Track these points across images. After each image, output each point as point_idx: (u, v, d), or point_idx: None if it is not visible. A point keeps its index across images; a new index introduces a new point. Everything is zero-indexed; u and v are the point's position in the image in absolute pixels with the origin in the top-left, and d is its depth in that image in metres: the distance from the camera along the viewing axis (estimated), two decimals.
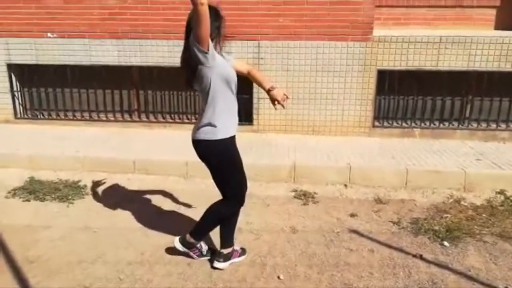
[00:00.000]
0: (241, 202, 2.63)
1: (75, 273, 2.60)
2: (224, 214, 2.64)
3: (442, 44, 4.65)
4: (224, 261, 2.68)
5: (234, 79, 2.46)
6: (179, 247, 2.71)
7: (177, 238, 2.73)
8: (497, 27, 5.35)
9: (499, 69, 4.69)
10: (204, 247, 2.76)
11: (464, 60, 4.69)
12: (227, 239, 2.71)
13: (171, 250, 2.79)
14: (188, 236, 2.70)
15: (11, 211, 3.39)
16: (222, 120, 2.43)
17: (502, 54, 4.64)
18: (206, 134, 2.43)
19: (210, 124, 2.42)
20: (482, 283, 2.55)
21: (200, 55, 2.30)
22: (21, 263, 2.69)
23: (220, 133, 2.43)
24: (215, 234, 2.81)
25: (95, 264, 2.69)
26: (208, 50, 2.29)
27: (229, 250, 2.71)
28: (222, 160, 2.50)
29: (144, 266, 2.68)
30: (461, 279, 2.59)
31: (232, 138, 2.53)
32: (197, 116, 5.18)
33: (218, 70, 2.37)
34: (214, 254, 2.73)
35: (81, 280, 2.53)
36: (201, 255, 2.74)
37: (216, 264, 2.66)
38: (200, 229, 2.71)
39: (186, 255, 2.74)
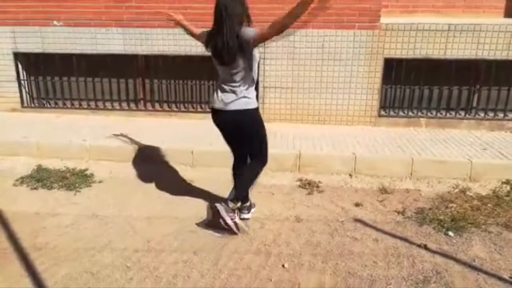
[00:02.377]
0: (267, 160, 3.02)
1: (82, 260, 2.64)
2: (258, 172, 3.03)
3: (450, 32, 4.59)
4: (248, 212, 3.13)
5: (258, 59, 2.83)
6: (222, 210, 2.89)
7: (218, 204, 2.91)
8: (506, 15, 5.26)
9: (508, 57, 4.62)
10: (239, 219, 2.98)
11: (473, 49, 4.63)
12: (247, 194, 3.12)
13: (201, 225, 3.02)
14: (230, 203, 2.94)
15: (19, 199, 3.44)
16: (253, 93, 2.83)
17: (511, 42, 4.57)
18: (246, 104, 2.77)
19: (245, 97, 2.77)
20: (486, 273, 2.55)
21: (252, 46, 2.67)
22: (28, 250, 2.73)
23: (254, 103, 2.82)
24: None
25: (102, 252, 2.73)
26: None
27: (249, 203, 3.15)
28: (259, 125, 2.89)
29: (151, 254, 2.72)
30: (465, 269, 2.59)
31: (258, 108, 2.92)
32: (202, 104, 5.19)
33: (254, 53, 2.73)
34: (239, 210, 3.10)
35: (88, 268, 2.57)
36: (235, 225, 2.90)
37: (245, 215, 3.11)
38: (241, 191, 3.00)
39: (222, 224, 2.89)
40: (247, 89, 2.77)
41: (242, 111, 2.77)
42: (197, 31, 2.99)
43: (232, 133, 2.92)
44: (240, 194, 3.00)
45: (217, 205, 2.91)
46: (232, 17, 2.57)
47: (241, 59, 2.66)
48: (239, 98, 2.76)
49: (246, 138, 2.90)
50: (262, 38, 2.61)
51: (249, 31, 2.60)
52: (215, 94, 2.86)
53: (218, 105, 2.82)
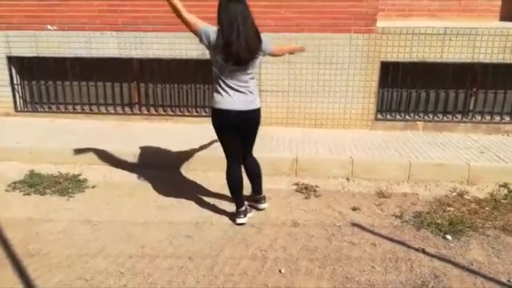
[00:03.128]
0: None
1: (76, 267, 2.59)
2: None
3: (446, 35, 4.59)
4: (245, 216, 3.16)
5: None
6: (266, 205, 3.33)
7: (261, 204, 3.30)
8: (502, 19, 5.28)
9: (504, 61, 4.63)
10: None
11: (469, 52, 4.63)
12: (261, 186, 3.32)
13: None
14: (263, 196, 3.31)
15: (12, 205, 3.39)
16: None
17: (507, 46, 4.57)
18: (259, 102, 3.02)
19: (257, 96, 3.01)
20: (484, 277, 2.53)
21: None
22: (21, 257, 2.68)
23: None
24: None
25: (95, 258, 2.69)
26: None
27: (244, 207, 3.17)
28: None
29: (145, 259, 2.68)
30: (463, 273, 2.57)
31: None
32: (198, 109, 5.16)
33: None
34: (257, 201, 3.33)
35: (81, 274, 2.53)
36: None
37: (263, 205, 3.32)
38: (261, 186, 3.30)
39: None
40: (256, 88, 2.99)
41: (258, 109, 3.00)
42: (190, 16, 2.80)
43: (246, 131, 3.02)
44: (261, 188, 3.29)
45: (262, 207, 3.31)
46: (247, 19, 2.72)
47: (256, 61, 2.87)
48: (256, 97, 2.96)
49: (253, 135, 3.10)
50: (273, 55, 3.28)
51: (271, 45, 2.99)
52: (225, 96, 2.84)
53: (236, 105, 2.85)
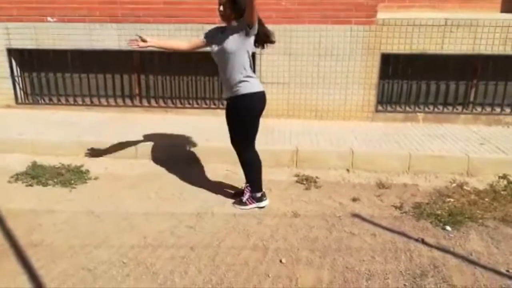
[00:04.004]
0: None
1: (79, 257, 2.62)
2: None
3: (447, 27, 4.58)
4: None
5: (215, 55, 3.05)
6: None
7: (260, 194, 3.26)
8: (503, 10, 5.26)
9: (504, 52, 4.61)
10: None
11: (469, 44, 4.62)
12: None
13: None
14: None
15: (14, 196, 3.41)
16: None
17: (508, 37, 4.56)
18: None
19: None
20: (483, 267, 2.56)
21: None
22: (25, 247, 2.70)
23: None
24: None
25: (98, 248, 2.71)
26: None
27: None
28: None
29: (147, 250, 2.70)
30: (462, 263, 2.59)
31: None
32: (199, 100, 5.17)
33: None
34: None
35: (84, 264, 2.55)
36: None
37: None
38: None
39: None
40: None
41: None
42: (192, 41, 3.19)
43: None
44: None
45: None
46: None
47: None
48: None
49: None
50: None
51: None
52: (257, 79, 3.09)
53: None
